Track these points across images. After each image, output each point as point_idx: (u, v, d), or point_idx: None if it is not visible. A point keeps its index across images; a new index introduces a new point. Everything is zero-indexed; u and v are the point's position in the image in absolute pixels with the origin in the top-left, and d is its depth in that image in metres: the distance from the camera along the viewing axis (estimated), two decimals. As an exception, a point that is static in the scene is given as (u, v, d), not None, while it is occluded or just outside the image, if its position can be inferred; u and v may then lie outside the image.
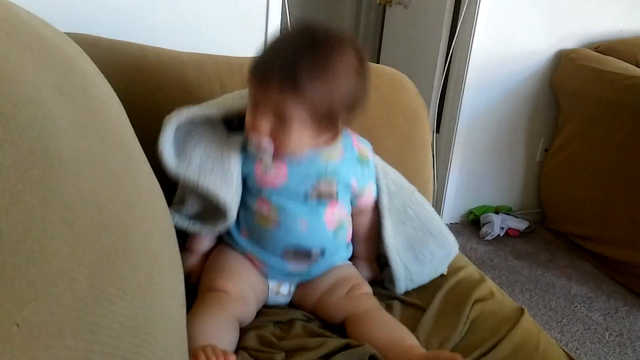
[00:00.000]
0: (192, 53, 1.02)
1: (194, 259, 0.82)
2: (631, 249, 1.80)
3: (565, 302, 1.73)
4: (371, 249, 0.90)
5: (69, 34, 0.67)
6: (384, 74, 1.13)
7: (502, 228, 2.14)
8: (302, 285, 0.83)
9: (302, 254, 0.79)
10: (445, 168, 2.17)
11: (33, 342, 0.28)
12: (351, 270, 0.86)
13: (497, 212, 2.22)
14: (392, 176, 0.91)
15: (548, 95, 2.17)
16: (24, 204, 0.31)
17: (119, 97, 0.64)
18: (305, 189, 0.77)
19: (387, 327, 0.74)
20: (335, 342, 0.69)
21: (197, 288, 0.78)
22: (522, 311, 0.82)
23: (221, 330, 0.68)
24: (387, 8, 2.63)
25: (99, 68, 0.64)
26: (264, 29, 1.48)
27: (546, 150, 2.25)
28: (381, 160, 0.91)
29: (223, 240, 0.84)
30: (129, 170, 0.50)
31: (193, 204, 0.79)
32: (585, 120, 2.00)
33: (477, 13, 1.92)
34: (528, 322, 0.81)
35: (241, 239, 0.80)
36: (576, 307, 1.71)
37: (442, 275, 0.91)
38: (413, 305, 0.83)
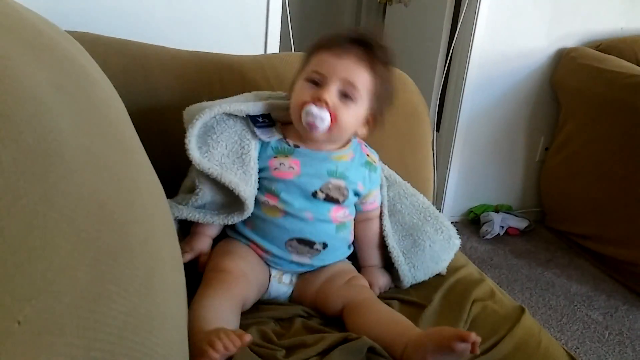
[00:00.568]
0: (193, 51, 1.02)
1: (204, 240, 0.82)
2: (631, 248, 1.80)
3: (565, 301, 1.74)
4: (380, 255, 0.91)
5: (70, 32, 0.67)
6: (384, 73, 1.13)
7: (502, 227, 2.14)
8: (303, 276, 0.84)
9: (305, 245, 0.80)
10: (445, 167, 2.17)
11: (34, 339, 0.28)
12: (348, 265, 0.88)
13: (497, 211, 2.22)
14: (386, 172, 0.95)
15: (548, 94, 2.17)
16: (25, 202, 0.31)
17: (120, 95, 0.64)
18: (315, 187, 0.80)
19: (385, 314, 0.75)
20: (333, 336, 0.69)
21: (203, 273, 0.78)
22: (522, 310, 0.82)
23: (226, 311, 0.68)
24: (388, 7, 2.62)
25: (99, 66, 0.64)
26: (264, 28, 1.48)
27: (546, 149, 2.25)
28: (381, 162, 0.94)
29: (227, 235, 0.84)
30: (129, 168, 0.50)
31: (206, 194, 0.79)
32: (585, 119, 2.00)
33: (478, 11, 1.92)
34: (528, 321, 0.81)
35: (245, 229, 0.82)
36: (576, 306, 1.71)
37: (441, 275, 0.91)
38: (413, 304, 0.84)
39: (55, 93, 0.41)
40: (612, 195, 1.87)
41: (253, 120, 0.81)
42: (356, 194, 0.85)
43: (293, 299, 0.84)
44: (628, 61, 1.93)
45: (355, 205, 0.87)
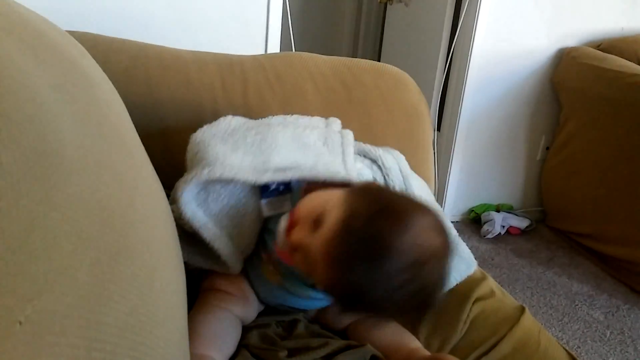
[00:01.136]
0: (194, 51, 1.02)
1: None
2: (632, 247, 1.80)
3: (566, 301, 1.73)
4: None
5: (70, 32, 0.67)
6: (385, 72, 1.13)
7: (503, 226, 2.14)
8: None
9: (300, 312, 0.77)
10: (446, 166, 2.16)
11: (36, 340, 0.28)
12: None
13: (498, 211, 2.22)
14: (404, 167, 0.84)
15: (549, 93, 2.17)
16: (26, 202, 0.31)
17: (120, 95, 0.64)
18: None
19: (390, 331, 0.73)
20: (337, 342, 0.69)
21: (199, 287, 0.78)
22: (523, 309, 0.82)
23: (224, 329, 0.68)
24: (388, 6, 2.62)
25: (100, 66, 0.64)
26: (265, 27, 1.48)
27: (547, 148, 2.25)
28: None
29: None
30: (130, 168, 0.50)
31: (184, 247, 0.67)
32: (586, 118, 2.00)
33: (478, 11, 1.92)
34: (529, 320, 0.80)
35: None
36: (577, 305, 1.71)
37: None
38: (414, 304, 0.83)
39: (56, 93, 0.41)
40: (613, 194, 1.87)
41: (262, 187, 0.66)
42: None
43: None
44: (629, 61, 1.93)
45: None
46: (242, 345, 0.68)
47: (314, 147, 0.71)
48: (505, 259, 1.99)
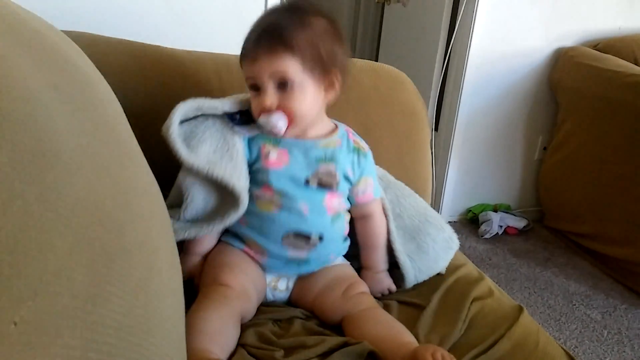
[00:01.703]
0: (191, 51, 1.02)
1: (194, 260, 0.82)
2: (629, 247, 1.80)
3: (563, 300, 1.74)
4: (383, 258, 0.89)
5: (66, 32, 0.67)
6: (382, 72, 1.13)
7: (501, 226, 2.15)
8: (300, 282, 0.83)
9: (302, 239, 0.80)
10: (443, 166, 2.17)
11: (31, 341, 0.27)
12: (347, 269, 0.87)
13: (495, 211, 2.22)
14: (379, 172, 0.94)
15: (547, 93, 2.17)
16: (21, 202, 0.31)
17: (117, 95, 0.63)
18: (306, 174, 0.80)
19: (384, 325, 0.74)
20: (334, 340, 0.69)
21: (199, 285, 0.78)
22: (520, 309, 0.82)
23: (224, 326, 0.68)
24: (386, 6, 2.63)
25: (96, 66, 0.64)
26: (263, 27, 1.47)
27: (545, 148, 2.25)
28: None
29: (220, 241, 0.84)
30: (126, 168, 0.50)
31: (196, 199, 0.78)
32: (583, 118, 2.01)
33: (476, 11, 1.92)
34: (527, 320, 0.81)
35: (241, 228, 0.81)
36: (574, 305, 1.72)
37: (440, 274, 0.91)
38: (411, 304, 0.84)
39: (52, 93, 0.41)
40: (610, 194, 1.88)
41: (231, 118, 0.81)
42: (347, 179, 0.84)
43: (290, 303, 0.83)
44: (626, 60, 1.93)
45: (348, 198, 0.86)
46: (239, 344, 0.69)
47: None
48: (502, 259, 1.99)
